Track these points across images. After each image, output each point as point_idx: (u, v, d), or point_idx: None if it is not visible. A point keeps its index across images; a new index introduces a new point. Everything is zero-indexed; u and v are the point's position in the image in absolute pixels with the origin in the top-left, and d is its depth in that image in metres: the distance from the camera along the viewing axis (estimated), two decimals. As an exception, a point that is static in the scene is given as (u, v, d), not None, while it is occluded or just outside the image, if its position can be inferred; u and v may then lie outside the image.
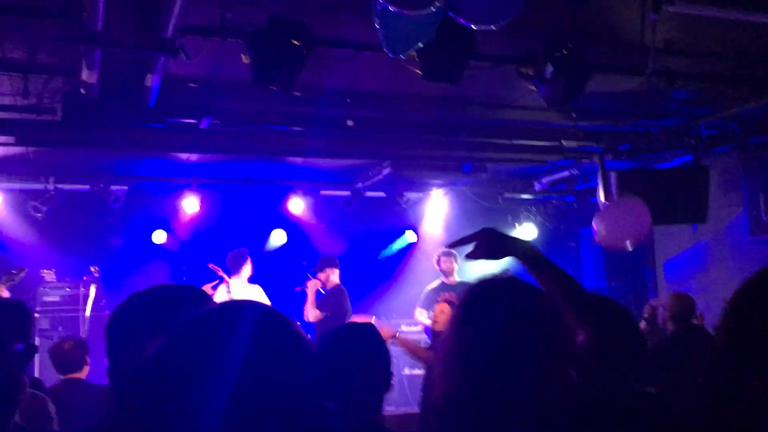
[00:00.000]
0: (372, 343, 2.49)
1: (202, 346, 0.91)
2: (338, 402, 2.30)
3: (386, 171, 7.82)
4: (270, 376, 0.89)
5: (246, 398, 0.86)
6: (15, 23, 4.40)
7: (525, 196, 9.80)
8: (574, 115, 6.69)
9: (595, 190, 7.70)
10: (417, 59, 4.68)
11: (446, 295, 7.65)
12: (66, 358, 4.34)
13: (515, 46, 5.00)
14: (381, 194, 9.33)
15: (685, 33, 4.99)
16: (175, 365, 0.90)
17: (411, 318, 8.30)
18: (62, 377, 4.35)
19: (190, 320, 0.95)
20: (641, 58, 5.26)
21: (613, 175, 7.09)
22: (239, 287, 7.20)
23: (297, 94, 5.62)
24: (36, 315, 7.38)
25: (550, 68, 4.62)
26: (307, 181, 8.88)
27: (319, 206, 9.15)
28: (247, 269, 7.37)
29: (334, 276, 7.59)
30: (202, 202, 8.32)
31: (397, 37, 3.44)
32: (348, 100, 5.95)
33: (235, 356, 0.88)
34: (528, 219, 10.15)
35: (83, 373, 4.36)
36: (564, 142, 7.16)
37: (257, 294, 7.20)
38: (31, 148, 6.77)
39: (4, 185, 7.74)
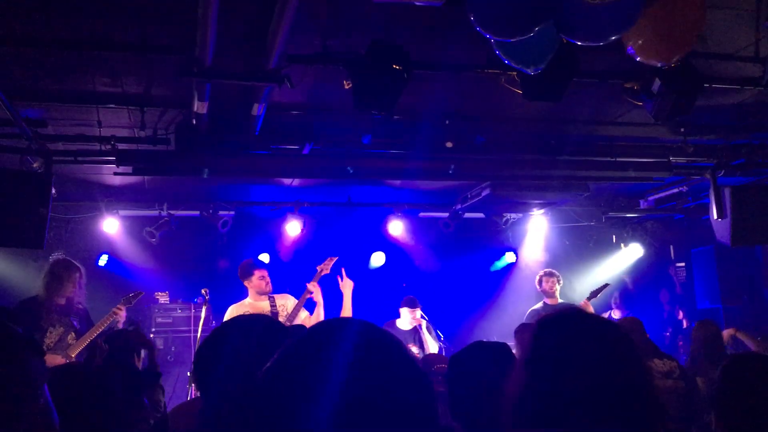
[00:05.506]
0: (506, 362, 2.42)
1: (309, 366, 0.92)
2: (468, 424, 2.27)
3: (485, 192, 7.75)
4: (377, 394, 0.89)
5: (357, 415, 0.86)
6: (134, 60, 4.69)
7: (630, 215, 9.45)
8: (682, 130, 6.44)
9: (706, 208, 7.35)
10: (517, 79, 4.64)
11: (548, 316, 7.49)
12: None
13: (619, 61, 4.86)
14: (480, 215, 9.26)
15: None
16: (284, 385, 0.91)
17: (511, 340, 8.12)
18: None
19: (297, 340, 0.96)
20: (755, 69, 5.02)
21: (727, 192, 6.73)
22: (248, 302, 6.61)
23: (397, 117, 5.73)
24: (151, 335, 7.75)
25: (657, 83, 4.45)
26: (406, 203, 8.93)
27: (418, 228, 9.18)
28: (252, 283, 6.62)
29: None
30: (304, 225, 8.52)
31: (523, 57, 3.40)
32: (447, 122, 5.96)
33: (343, 374, 0.89)
34: (634, 239, 9.79)
35: None
36: (672, 159, 6.87)
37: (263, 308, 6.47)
38: (146, 177, 7.16)
39: (123, 212, 8.22)
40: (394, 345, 0.97)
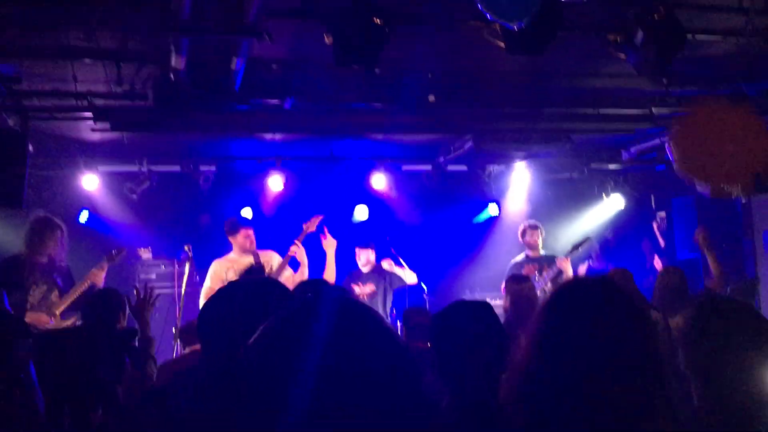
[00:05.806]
0: (488, 319, 2.45)
1: (291, 340, 0.95)
2: (453, 383, 2.30)
3: (468, 145, 7.73)
4: (355, 366, 0.90)
5: (335, 386, 0.88)
6: (107, 13, 4.56)
7: (612, 167, 9.50)
8: (665, 81, 6.41)
9: (687, 159, 7.38)
10: (500, 32, 4.59)
11: (530, 267, 7.58)
12: (194, 331, 4.61)
13: (602, 13, 4.81)
14: (463, 168, 9.26)
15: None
16: (267, 358, 0.94)
17: (493, 291, 8.20)
18: (189, 349, 4.66)
19: (280, 316, 0.98)
20: (738, 20, 5.00)
21: (708, 143, 6.76)
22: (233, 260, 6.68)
23: (377, 71, 5.65)
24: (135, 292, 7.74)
25: (641, 35, 4.42)
26: (389, 157, 8.89)
27: (401, 181, 9.17)
28: (237, 241, 6.74)
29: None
30: (287, 180, 8.48)
31: (506, 11, 3.35)
32: (430, 76, 5.91)
33: (322, 346, 0.92)
34: (615, 189, 9.86)
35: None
36: (654, 110, 6.87)
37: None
38: (125, 133, 7.06)
39: (102, 168, 8.12)
40: (374, 322, 0.98)
